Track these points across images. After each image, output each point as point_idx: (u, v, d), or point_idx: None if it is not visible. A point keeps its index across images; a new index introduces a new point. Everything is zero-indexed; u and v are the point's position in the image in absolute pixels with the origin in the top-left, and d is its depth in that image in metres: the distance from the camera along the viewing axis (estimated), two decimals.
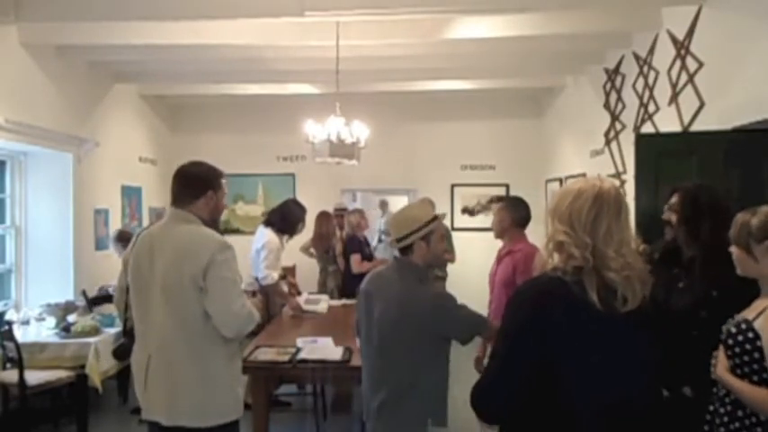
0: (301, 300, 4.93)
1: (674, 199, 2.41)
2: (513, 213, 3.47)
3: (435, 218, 2.29)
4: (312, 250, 6.16)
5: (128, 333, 2.48)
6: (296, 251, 6.05)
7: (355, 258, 5.49)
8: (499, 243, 3.68)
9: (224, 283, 2.18)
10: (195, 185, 2.33)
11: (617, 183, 5.13)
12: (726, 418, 1.84)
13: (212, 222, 2.38)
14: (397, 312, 2.17)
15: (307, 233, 5.62)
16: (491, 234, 3.62)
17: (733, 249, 1.90)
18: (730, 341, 1.82)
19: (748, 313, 1.84)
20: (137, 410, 2.37)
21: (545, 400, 1.39)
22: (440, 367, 2.25)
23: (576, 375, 1.38)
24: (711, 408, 1.92)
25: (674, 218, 2.36)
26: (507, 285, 3.39)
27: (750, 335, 1.77)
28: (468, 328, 2.25)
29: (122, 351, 2.54)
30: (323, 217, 6.05)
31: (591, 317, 1.38)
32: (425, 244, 2.25)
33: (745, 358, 1.78)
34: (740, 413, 1.81)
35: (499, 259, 3.51)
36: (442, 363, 2.26)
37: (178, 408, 2.19)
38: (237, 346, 2.39)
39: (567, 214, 1.46)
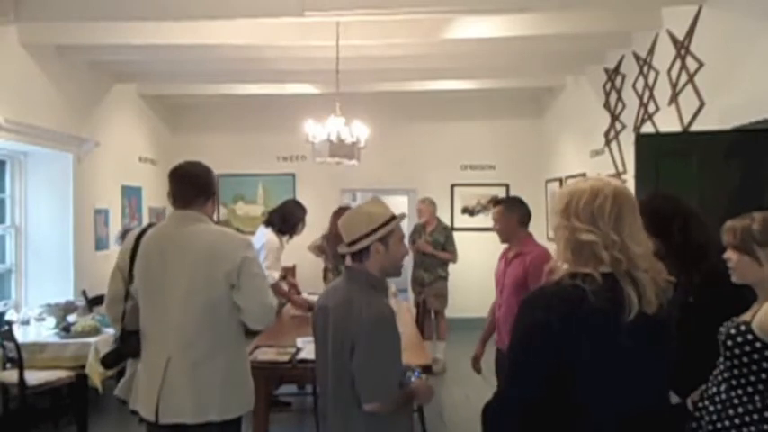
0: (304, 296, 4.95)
1: None
2: (517, 214, 3.37)
3: (394, 217, 1.99)
4: (324, 247, 6.10)
5: (123, 339, 2.44)
6: (296, 251, 6.03)
7: None
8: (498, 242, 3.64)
9: (257, 279, 2.28)
10: (206, 187, 2.37)
11: (616, 179, 5.13)
12: (714, 416, 1.86)
13: (212, 221, 2.41)
14: (336, 325, 1.88)
15: (311, 232, 5.60)
16: (491, 234, 3.55)
17: (731, 255, 1.90)
18: (729, 342, 1.84)
19: (747, 316, 1.86)
20: (137, 411, 2.35)
21: (559, 412, 1.36)
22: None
23: (593, 386, 1.34)
24: (700, 404, 1.94)
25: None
26: (518, 289, 3.27)
27: (749, 336, 1.80)
28: (372, 379, 1.82)
29: (113, 358, 2.50)
30: (341, 214, 6.03)
31: (607, 325, 1.32)
32: (383, 247, 1.93)
33: (744, 360, 1.81)
34: (731, 412, 1.82)
35: (507, 261, 3.40)
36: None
37: (208, 404, 2.21)
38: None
39: (588, 212, 1.38)
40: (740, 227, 1.88)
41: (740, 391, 1.82)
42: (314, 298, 4.99)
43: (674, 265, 2.24)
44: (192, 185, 2.33)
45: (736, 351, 1.81)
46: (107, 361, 2.50)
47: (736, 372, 1.83)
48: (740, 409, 1.81)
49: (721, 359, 1.90)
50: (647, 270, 1.35)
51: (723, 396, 1.85)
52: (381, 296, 1.96)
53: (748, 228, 1.86)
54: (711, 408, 1.87)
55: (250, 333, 2.53)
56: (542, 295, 1.42)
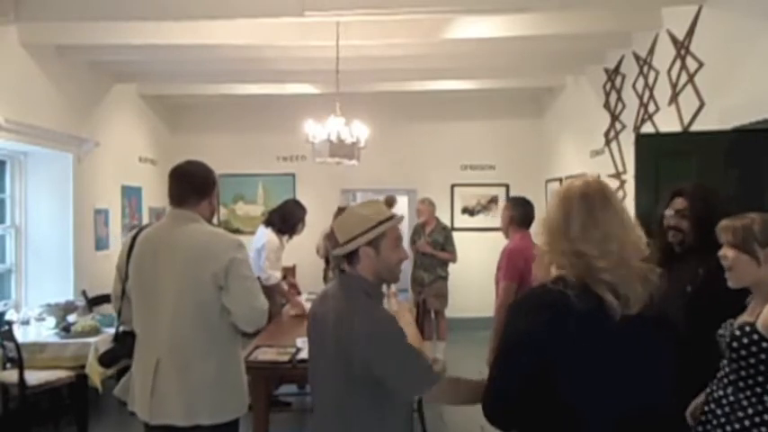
0: (302, 299, 4.94)
1: (679, 204, 2.36)
2: (512, 212, 3.62)
3: (389, 218, 1.84)
4: (327, 243, 6.12)
5: (119, 339, 2.44)
6: (296, 251, 6.04)
7: None
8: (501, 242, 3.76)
9: (246, 281, 2.24)
10: (202, 187, 2.35)
11: (616, 179, 5.13)
12: (723, 420, 1.84)
13: (209, 222, 2.40)
14: (332, 334, 1.77)
15: (311, 232, 5.60)
16: (491, 234, 3.70)
17: (729, 254, 1.88)
18: (735, 344, 1.82)
19: (748, 317, 1.85)
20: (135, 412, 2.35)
21: (552, 412, 1.36)
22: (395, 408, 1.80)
23: (581, 388, 1.34)
24: (706, 408, 1.92)
25: (684, 223, 2.31)
26: (497, 283, 3.57)
27: (755, 337, 1.78)
28: (411, 374, 1.74)
29: (110, 357, 2.50)
30: (339, 213, 6.07)
31: (592, 328, 1.33)
32: (373, 251, 1.80)
33: (752, 361, 1.79)
34: (740, 414, 1.81)
35: None
36: (386, 422, 1.79)
37: (197, 407, 2.19)
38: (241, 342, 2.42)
39: (546, 222, 1.44)
40: (741, 225, 1.86)
41: (748, 393, 1.81)
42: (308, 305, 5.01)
43: (690, 254, 2.24)
44: (188, 184, 2.32)
45: (743, 353, 1.80)
46: (104, 360, 2.50)
47: (743, 373, 1.81)
48: (750, 411, 1.79)
49: (724, 362, 1.89)
50: (624, 274, 1.34)
51: (731, 398, 1.83)
52: (378, 303, 1.88)
53: (749, 227, 1.84)
54: (719, 411, 1.85)
55: (247, 334, 2.52)
56: (528, 298, 1.46)
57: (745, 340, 1.79)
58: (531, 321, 1.37)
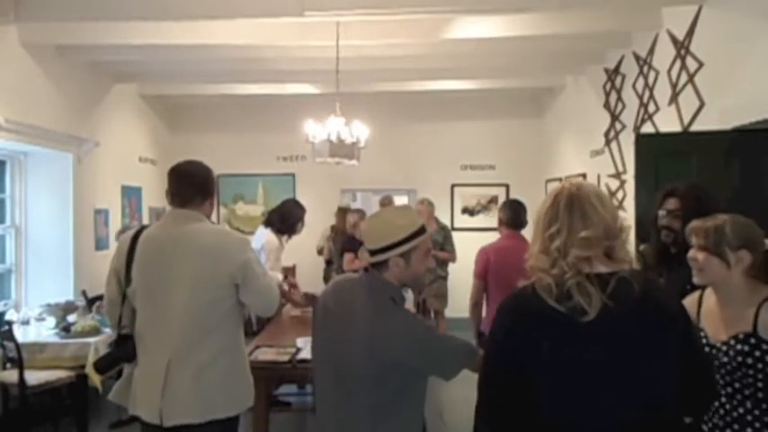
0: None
1: (672, 204, 2.38)
2: (501, 214, 3.82)
3: (422, 230, 1.84)
4: (331, 244, 6.15)
5: (119, 342, 2.42)
6: (296, 251, 6.04)
7: (348, 257, 5.49)
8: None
9: (262, 279, 2.32)
10: (204, 186, 2.36)
11: (616, 179, 5.13)
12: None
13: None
14: (366, 338, 1.76)
15: (311, 231, 5.61)
16: (491, 234, 3.74)
17: (699, 256, 1.84)
18: (750, 360, 1.76)
19: (744, 326, 1.79)
20: (137, 415, 2.33)
21: (538, 420, 1.35)
22: (411, 409, 1.84)
23: (562, 395, 1.32)
24: (728, 431, 1.85)
25: (676, 223, 2.32)
26: None
27: (765, 346, 1.75)
28: (454, 362, 1.81)
29: (106, 363, 2.46)
30: (340, 213, 6.15)
31: (563, 331, 1.31)
32: (404, 261, 1.81)
33: None
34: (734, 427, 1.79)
35: None
36: (414, 407, 1.86)
37: (212, 403, 2.20)
38: None
39: (539, 234, 1.45)
40: (712, 227, 1.82)
41: None
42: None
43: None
44: (190, 184, 2.32)
45: (759, 366, 1.75)
46: (100, 365, 2.45)
47: (760, 385, 1.76)
48: (736, 426, 1.77)
49: (725, 378, 1.82)
50: (564, 273, 1.34)
51: (756, 413, 1.77)
52: (402, 306, 1.88)
53: (721, 228, 1.81)
54: (750, 430, 1.78)
55: (248, 334, 2.53)
56: (508, 301, 1.46)
57: (758, 353, 1.75)
58: (503, 325, 1.41)
